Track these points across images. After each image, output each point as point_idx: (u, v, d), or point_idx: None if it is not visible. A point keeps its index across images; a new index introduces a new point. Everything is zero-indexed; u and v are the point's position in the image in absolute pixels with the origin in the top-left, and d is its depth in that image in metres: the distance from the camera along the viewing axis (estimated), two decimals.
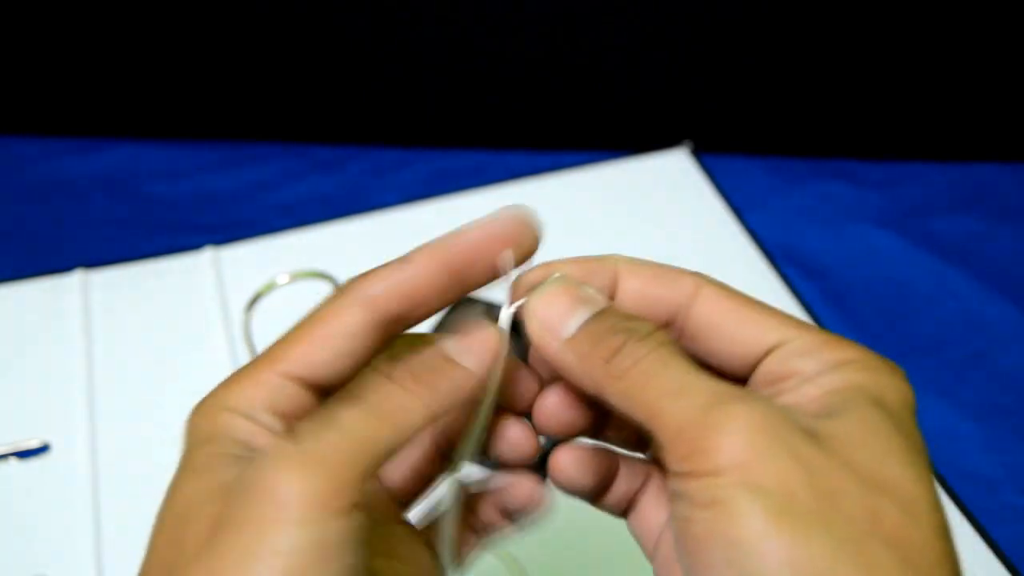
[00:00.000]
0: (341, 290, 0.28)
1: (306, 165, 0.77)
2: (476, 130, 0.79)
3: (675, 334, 0.28)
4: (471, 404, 0.28)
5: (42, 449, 0.56)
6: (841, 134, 0.78)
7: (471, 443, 0.29)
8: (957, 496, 0.52)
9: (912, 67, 0.75)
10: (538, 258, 0.29)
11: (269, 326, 0.57)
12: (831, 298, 0.65)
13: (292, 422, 0.26)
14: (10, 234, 0.71)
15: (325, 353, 0.27)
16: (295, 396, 0.27)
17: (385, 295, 0.27)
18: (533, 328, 0.28)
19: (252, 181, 0.76)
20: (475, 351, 0.27)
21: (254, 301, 0.55)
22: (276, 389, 0.26)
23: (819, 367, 0.25)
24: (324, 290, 0.60)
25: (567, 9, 0.74)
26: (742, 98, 0.78)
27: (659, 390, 0.25)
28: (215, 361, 0.59)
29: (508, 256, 0.28)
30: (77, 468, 0.54)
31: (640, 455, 0.31)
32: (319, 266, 0.64)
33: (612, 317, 0.27)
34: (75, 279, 0.65)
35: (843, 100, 0.77)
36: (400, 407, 0.26)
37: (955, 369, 0.60)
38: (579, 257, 0.29)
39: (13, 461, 0.55)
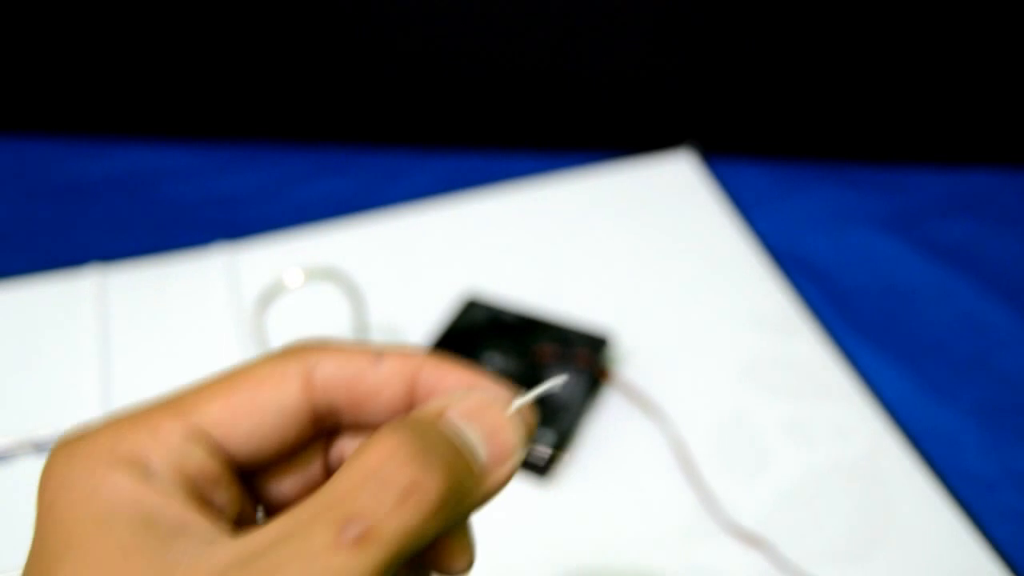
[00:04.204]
0: (285, 352, 0.22)
1: (318, 165, 0.78)
2: (477, 131, 0.80)
3: None
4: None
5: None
6: (844, 138, 0.78)
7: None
8: (957, 496, 0.53)
9: (915, 72, 0.75)
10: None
11: (282, 323, 0.58)
12: (834, 301, 0.65)
13: (202, 494, 0.20)
14: (26, 234, 0.72)
15: (250, 421, 0.21)
16: (204, 462, 0.20)
17: (335, 383, 0.22)
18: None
19: (266, 181, 0.77)
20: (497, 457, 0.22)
21: (267, 299, 0.56)
22: (182, 445, 0.20)
23: None
24: (336, 288, 0.61)
25: (572, 8, 0.74)
26: (745, 100, 0.78)
27: None
28: (228, 357, 0.60)
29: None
30: None
31: None
32: (332, 264, 0.65)
33: None
34: (90, 275, 0.66)
35: (846, 104, 0.78)
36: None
37: (955, 370, 0.61)
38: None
39: (28, 456, 0.55)
